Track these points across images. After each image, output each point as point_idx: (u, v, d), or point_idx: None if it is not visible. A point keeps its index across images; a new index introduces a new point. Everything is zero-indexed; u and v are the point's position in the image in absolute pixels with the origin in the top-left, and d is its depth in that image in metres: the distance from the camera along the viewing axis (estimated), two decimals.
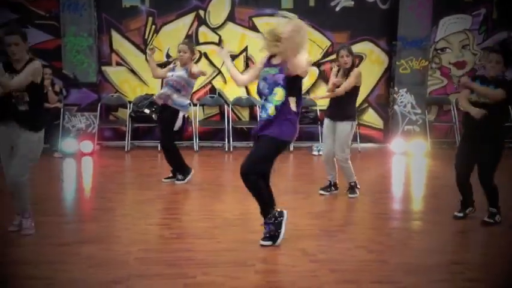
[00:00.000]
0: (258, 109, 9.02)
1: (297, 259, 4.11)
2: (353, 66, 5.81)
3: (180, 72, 6.32)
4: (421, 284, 3.73)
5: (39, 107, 4.51)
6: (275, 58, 4.29)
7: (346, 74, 5.79)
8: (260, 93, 4.33)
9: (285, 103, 4.19)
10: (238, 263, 4.02)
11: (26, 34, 4.45)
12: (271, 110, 4.17)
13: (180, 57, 6.33)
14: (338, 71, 5.85)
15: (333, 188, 6.05)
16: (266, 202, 4.35)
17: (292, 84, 4.20)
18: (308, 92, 9.26)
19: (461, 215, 5.13)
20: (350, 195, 5.95)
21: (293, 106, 4.24)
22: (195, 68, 6.32)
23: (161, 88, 6.73)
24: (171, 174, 6.56)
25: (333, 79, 5.83)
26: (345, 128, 5.77)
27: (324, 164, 6.07)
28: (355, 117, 5.92)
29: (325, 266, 4.01)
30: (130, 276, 3.75)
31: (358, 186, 6.03)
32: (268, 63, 4.33)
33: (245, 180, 4.23)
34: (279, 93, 4.17)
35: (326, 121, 5.94)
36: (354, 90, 5.78)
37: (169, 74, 6.39)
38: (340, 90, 5.70)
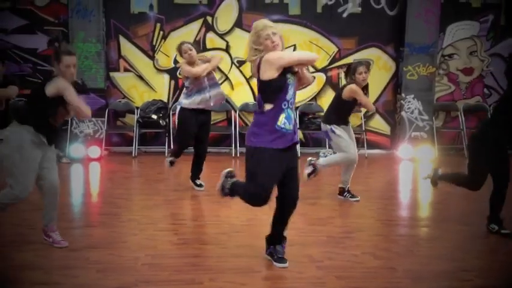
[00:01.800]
0: None
1: (303, 266, 4.11)
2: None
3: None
4: None
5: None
6: None
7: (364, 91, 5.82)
8: (288, 101, 3.84)
9: None
10: (245, 269, 4.02)
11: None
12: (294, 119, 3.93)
13: (190, 56, 6.18)
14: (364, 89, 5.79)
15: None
16: None
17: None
18: (315, 98, 9.28)
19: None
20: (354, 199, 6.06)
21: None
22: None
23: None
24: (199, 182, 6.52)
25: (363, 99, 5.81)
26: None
27: (351, 169, 6.03)
28: None
29: (331, 272, 4.00)
30: (138, 282, 3.76)
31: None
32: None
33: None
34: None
35: (345, 128, 5.92)
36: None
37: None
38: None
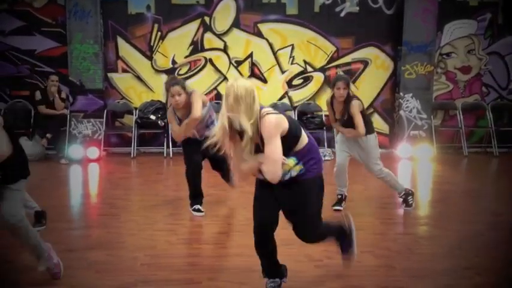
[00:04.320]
0: None
1: (302, 265, 4.11)
2: (348, 97, 5.31)
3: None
4: None
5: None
6: None
7: (345, 106, 5.34)
8: None
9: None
10: (244, 268, 4.02)
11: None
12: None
13: (176, 102, 5.14)
14: (331, 102, 5.47)
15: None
16: (340, 232, 3.82)
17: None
18: (314, 98, 9.27)
19: None
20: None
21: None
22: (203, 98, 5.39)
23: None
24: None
25: (331, 114, 5.54)
26: (370, 140, 5.47)
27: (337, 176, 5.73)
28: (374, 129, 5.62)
29: (330, 271, 4.00)
30: (137, 282, 3.76)
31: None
32: None
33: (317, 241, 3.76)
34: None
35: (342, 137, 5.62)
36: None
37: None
38: (360, 132, 5.32)
